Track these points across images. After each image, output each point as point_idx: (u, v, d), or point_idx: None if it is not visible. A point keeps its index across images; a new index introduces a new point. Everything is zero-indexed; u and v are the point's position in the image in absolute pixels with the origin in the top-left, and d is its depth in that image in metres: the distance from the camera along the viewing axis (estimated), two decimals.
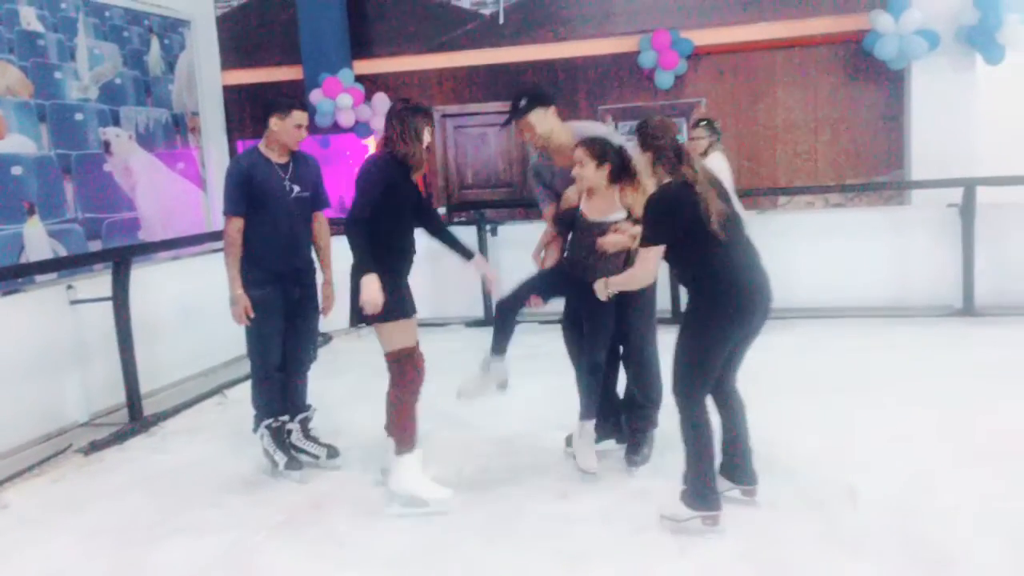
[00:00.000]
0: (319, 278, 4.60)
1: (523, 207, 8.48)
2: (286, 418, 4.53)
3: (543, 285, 4.18)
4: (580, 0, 8.85)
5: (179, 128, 8.74)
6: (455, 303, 8.06)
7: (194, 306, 6.48)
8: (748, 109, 8.64)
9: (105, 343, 5.48)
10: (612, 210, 3.95)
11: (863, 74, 8.31)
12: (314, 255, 4.61)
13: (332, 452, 4.57)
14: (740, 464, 3.73)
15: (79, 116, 7.43)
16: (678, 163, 3.43)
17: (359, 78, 9.00)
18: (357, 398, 5.61)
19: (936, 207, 7.28)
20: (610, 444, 4.39)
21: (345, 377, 6.15)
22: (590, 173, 3.93)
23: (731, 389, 3.74)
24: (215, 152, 9.20)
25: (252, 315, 4.27)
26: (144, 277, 5.80)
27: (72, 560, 3.65)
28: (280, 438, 4.48)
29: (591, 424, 4.23)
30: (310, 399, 4.71)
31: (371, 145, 9.35)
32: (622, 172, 3.93)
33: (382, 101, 8.89)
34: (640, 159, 3.58)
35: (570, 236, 4.21)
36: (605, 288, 3.74)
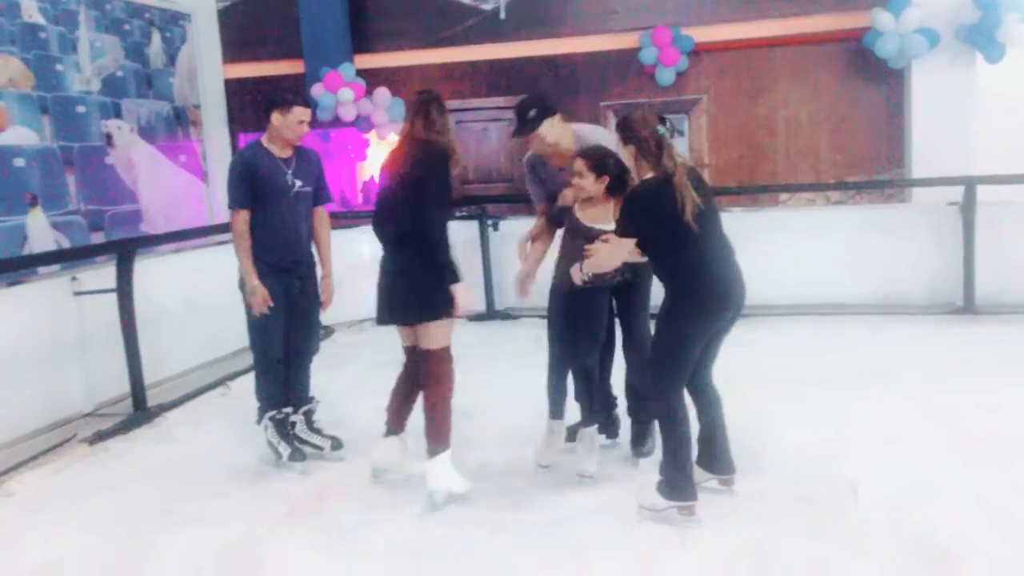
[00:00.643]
0: (319, 272, 4.63)
1: (525, 202, 8.48)
2: (289, 410, 4.55)
3: (561, 316, 4.17)
4: None
5: (181, 121, 8.75)
6: None
7: (197, 298, 6.50)
8: (749, 106, 8.65)
9: (109, 334, 5.50)
10: (605, 220, 3.93)
11: (863, 72, 8.32)
12: (314, 249, 4.63)
13: (336, 444, 4.59)
14: (717, 455, 3.80)
15: (81, 108, 7.43)
16: (659, 155, 3.48)
17: (360, 72, 9.00)
18: (360, 390, 5.65)
19: (936, 205, 7.30)
20: (600, 439, 4.40)
21: (348, 369, 6.18)
22: (589, 184, 3.95)
23: (707, 382, 3.80)
24: (217, 145, 9.21)
25: (271, 304, 4.29)
26: (147, 269, 5.82)
27: (76, 549, 3.67)
28: (284, 430, 4.50)
29: (593, 429, 4.25)
30: (313, 391, 4.73)
31: (372, 139, 9.37)
32: (619, 183, 3.94)
33: (383, 96, 8.90)
34: (623, 152, 3.65)
35: (561, 239, 4.20)
36: (580, 273, 3.78)
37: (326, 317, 4.84)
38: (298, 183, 4.42)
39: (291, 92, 4.51)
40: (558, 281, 4.12)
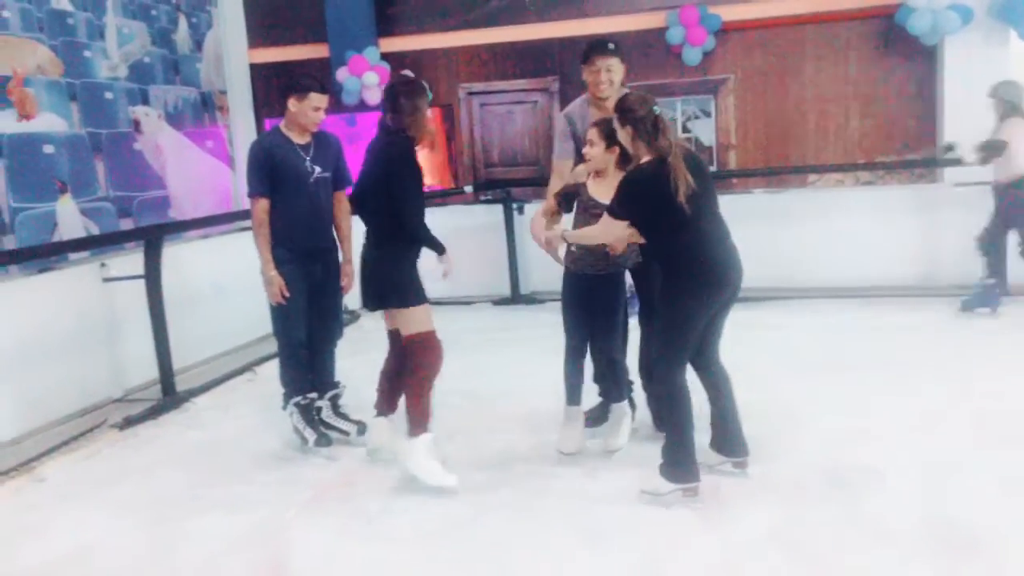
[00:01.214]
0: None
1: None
2: (315, 395, 4.58)
3: (578, 301, 4.17)
4: None
5: (207, 106, 8.79)
6: (481, 282, 8.09)
7: (224, 284, 6.55)
8: (777, 86, 8.54)
9: (138, 320, 5.56)
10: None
11: (894, 49, 8.18)
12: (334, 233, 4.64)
13: (362, 429, 4.61)
14: (730, 436, 3.80)
15: (109, 95, 7.48)
16: (655, 136, 3.49)
17: (385, 56, 8.99)
18: None
19: (968, 185, 7.18)
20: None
21: (372, 354, 6.13)
22: (598, 153, 3.93)
23: (713, 362, 3.81)
24: (243, 130, 9.24)
25: (287, 294, 4.32)
26: (175, 255, 5.87)
27: (107, 534, 3.73)
28: (309, 415, 4.53)
29: (625, 403, 4.33)
30: (339, 376, 4.76)
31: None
32: (629, 158, 3.90)
33: None
34: (621, 134, 3.66)
35: (574, 221, 4.17)
36: (562, 239, 3.85)
37: (351, 302, 4.86)
38: (317, 169, 4.42)
39: (308, 78, 4.49)
40: (572, 267, 4.11)
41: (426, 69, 9.14)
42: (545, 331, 6.30)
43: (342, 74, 8.70)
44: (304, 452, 4.49)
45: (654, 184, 3.46)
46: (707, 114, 8.81)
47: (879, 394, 4.82)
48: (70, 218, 6.93)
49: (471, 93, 9.32)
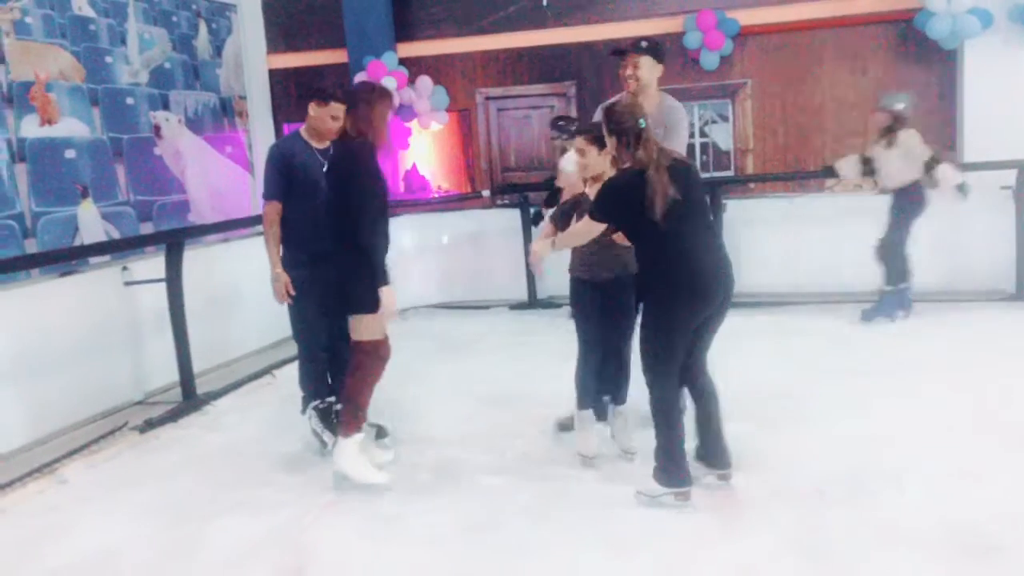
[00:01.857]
0: None
1: None
2: (333, 399, 4.60)
3: (592, 309, 4.19)
4: None
5: (227, 112, 8.85)
6: (498, 286, 8.11)
7: (244, 287, 6.60)
8: (795, 90, 8.51)
9: (158, 324, 5.60)
10: None
11: (914, 54, 8.14)
12: None
13: (382, 432, 4.63)
14: (714, 448, 3.81)
15: (130, 100, 7.55)
16: (636, 147, 3.54)
17: (402, 61, 9.03)
18: (402, 379, 5.68)
19: (989, 189, 7.13)
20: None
21: (392, 358, 6.21)
22: (593, 159, 3.94)
23: (701, 374, 3.81)
24: (262, 135, 9.30)
25: (293, 292, 4.35)
26: (195, 259, 5.91)
27: (128, 535, 3.76)
28: (328, 419, 4.56)
29: (625, 407, 4.35)
30: None
31: (414, 128, 9.40)
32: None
33: (425, 84, 8.92)
34: (608, 141, 3.71)
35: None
36: (551, 248, 3.95)
37: None
38: None
39: (333, 86, 4.53)
40: (586, 276, 4.14)
41: (444, 74, 9.18)
42: (562, 335, 6.30)
43: (360, 79, 8.74)
44: (323, 455, 4.50)
45: (628, 194, 3.52)
46: (724, 119, 8.80)
47: (898, 400, 4.79)
48: (91, 222, 6.99)
49: (489, 98, 9.34)
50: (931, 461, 3.96)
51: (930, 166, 6.32)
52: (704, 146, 8.87)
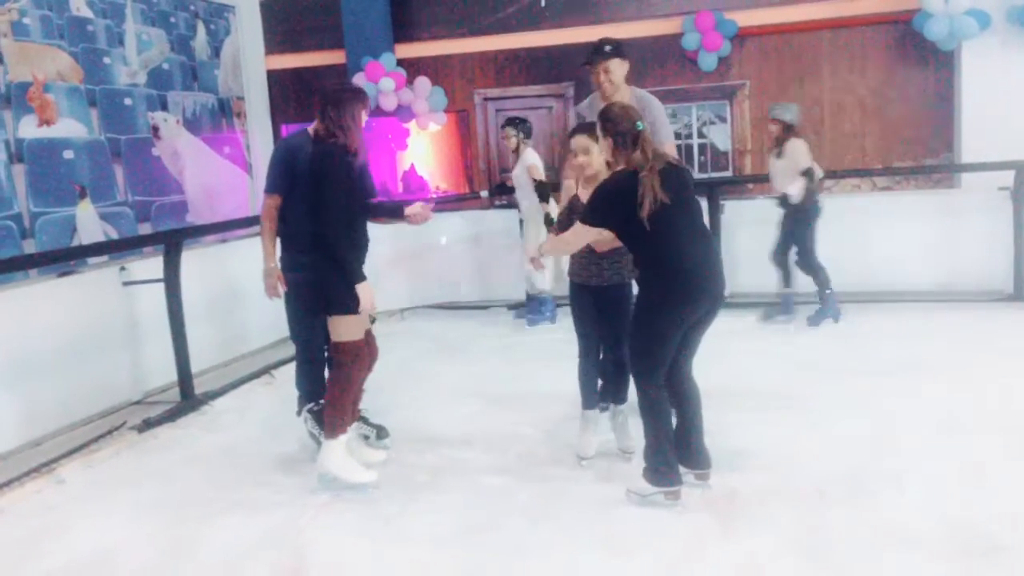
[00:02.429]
0: None
1: None
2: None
3: (592, 311, 4.20)
4: None
5: (225, 112, 8.85)
6: (498, 286, 8.11)
7: (241, 288, 6.59)
8: (794, 91, 8.50)
9: (156, 324, 5.59)
10: None
11: (912, 55, 8.15)
12: None
13: (382, 433, 4.63)
14: (693, 449, 3.82)
15: (128, 101, 7.55)
16: (632, 149, 3.56)
17: (401, 62, 9.03)
18: (400, 379, 5.70)
19: (986, 190, 7.16)
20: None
21: (387, 358, 6.14)
22: (595, 158, 3.96)
23: (685, 377, 3.83)
24: (260, 136, 9.31)
25: (285, 288, 4.35)
26: (193, 259, 5.90)
27: (126, 535, 3.75)
28: (323, 421, 4.53)
29: (625, 407, 4.34)
30: None
31: (412, 129, 9.40)
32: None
33: (423, 85, 8.92)
34: (602, 143, 3.74)
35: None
36: (539, 254, 4.05)
37: None
38: None
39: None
40: (586, 280, 4.14)
41: (442, 75, 9.19)
42: (561, 336, 6.33)
43: (358, 80, 8.73)
44: None
45: (621, 195, 3.53)
46: (723, 120, 8.80)
47: (898, 400, 4.79)
48: (89, 223, 6.99)
49: (487, 99, 9.35)
50: (931, 461, 3.96)
51: (806, 175, 6.41)
52: (702, 147, 8.88)
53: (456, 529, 3.62)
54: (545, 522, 3.63)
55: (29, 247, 6.38)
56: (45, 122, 6.65)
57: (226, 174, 8.81)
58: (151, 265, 5.65)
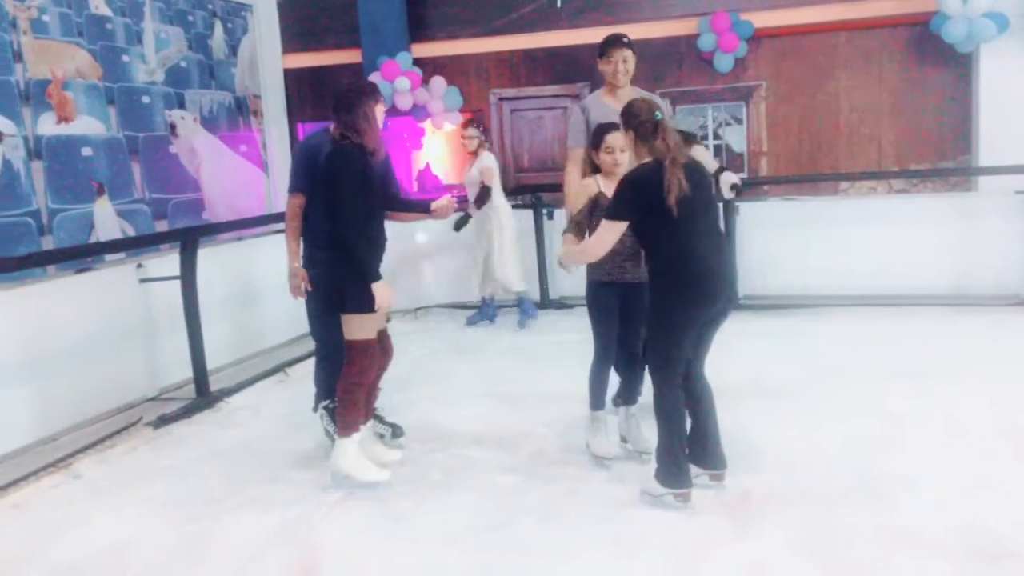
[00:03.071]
0: None
1: None
2: None
3: (615, 311, 4.19)
4: None
5: (242, 111, 8.90)
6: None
7: (257, 285, 6.64)
8: (810, 93, 8.50)
9: (172, 321, 5.64)
10: None
11: (929, 57, 8.12)
12: None
13: (397, 431, 4.65)
14: (707, 449, 3.82)
15: (146, 99, 7.61)
16: (654, 138, 3.60)
17: (416, 61, 9.06)
18: (415, 378, 5.72)
19: (1003, 194, 7.11)
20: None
21: (402, 357, 6.19)
22: (628, 156, 3.95)
23: (698, 376, 3.83)
24: (276, 135, 9.36)
25: (310, 288, 4.36)
26: (209, 256, 5.94)
27: (142, 530, 3.78)
28: None
29: (637, 407, 4.36)
30: None
31: (428, 128, 9.43)
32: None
33: (439, 84, 8.95)
34: (624, 138, 3.79)
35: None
36: (563, 265, 3.99)
37: None
38: None
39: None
40: (618, 276, 4.12)
41: (457, 74, 9.21)
42: (574, 335, 6.34)
43: (374, 79, 8.76)
44: None
45: (647, 183, 3.54)
46: (738, 121, 8.79)
47: (910, 401, 4.77)
48: (107, 220, 7.05)
49: (502, 99, 9.36)
50: (944, 464, 3.94)
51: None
52: (718, 148, 8.86)
53: (467, 527, 3.63)
54: (556, 521, 3.64)
55: (47, 243, 6.44)
56: (64, 119, 6.71)
57: (243, 172, 8.86)
58: (168, 262, 5.69)
